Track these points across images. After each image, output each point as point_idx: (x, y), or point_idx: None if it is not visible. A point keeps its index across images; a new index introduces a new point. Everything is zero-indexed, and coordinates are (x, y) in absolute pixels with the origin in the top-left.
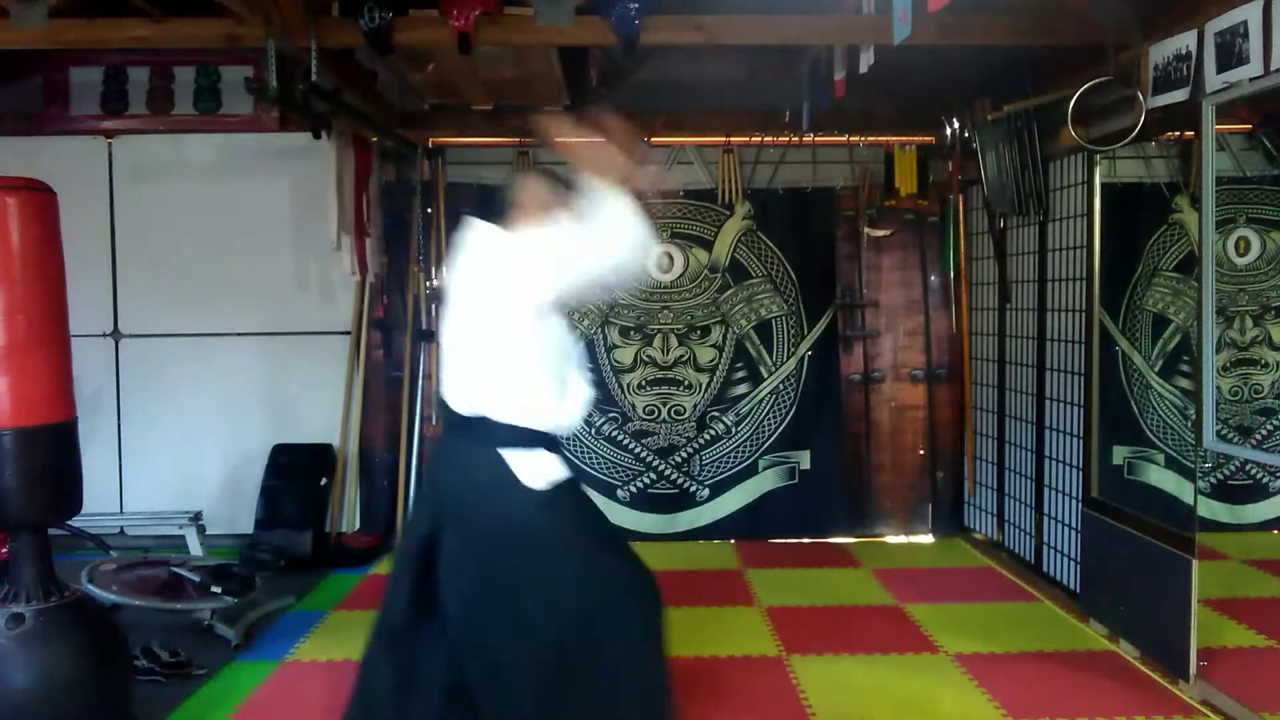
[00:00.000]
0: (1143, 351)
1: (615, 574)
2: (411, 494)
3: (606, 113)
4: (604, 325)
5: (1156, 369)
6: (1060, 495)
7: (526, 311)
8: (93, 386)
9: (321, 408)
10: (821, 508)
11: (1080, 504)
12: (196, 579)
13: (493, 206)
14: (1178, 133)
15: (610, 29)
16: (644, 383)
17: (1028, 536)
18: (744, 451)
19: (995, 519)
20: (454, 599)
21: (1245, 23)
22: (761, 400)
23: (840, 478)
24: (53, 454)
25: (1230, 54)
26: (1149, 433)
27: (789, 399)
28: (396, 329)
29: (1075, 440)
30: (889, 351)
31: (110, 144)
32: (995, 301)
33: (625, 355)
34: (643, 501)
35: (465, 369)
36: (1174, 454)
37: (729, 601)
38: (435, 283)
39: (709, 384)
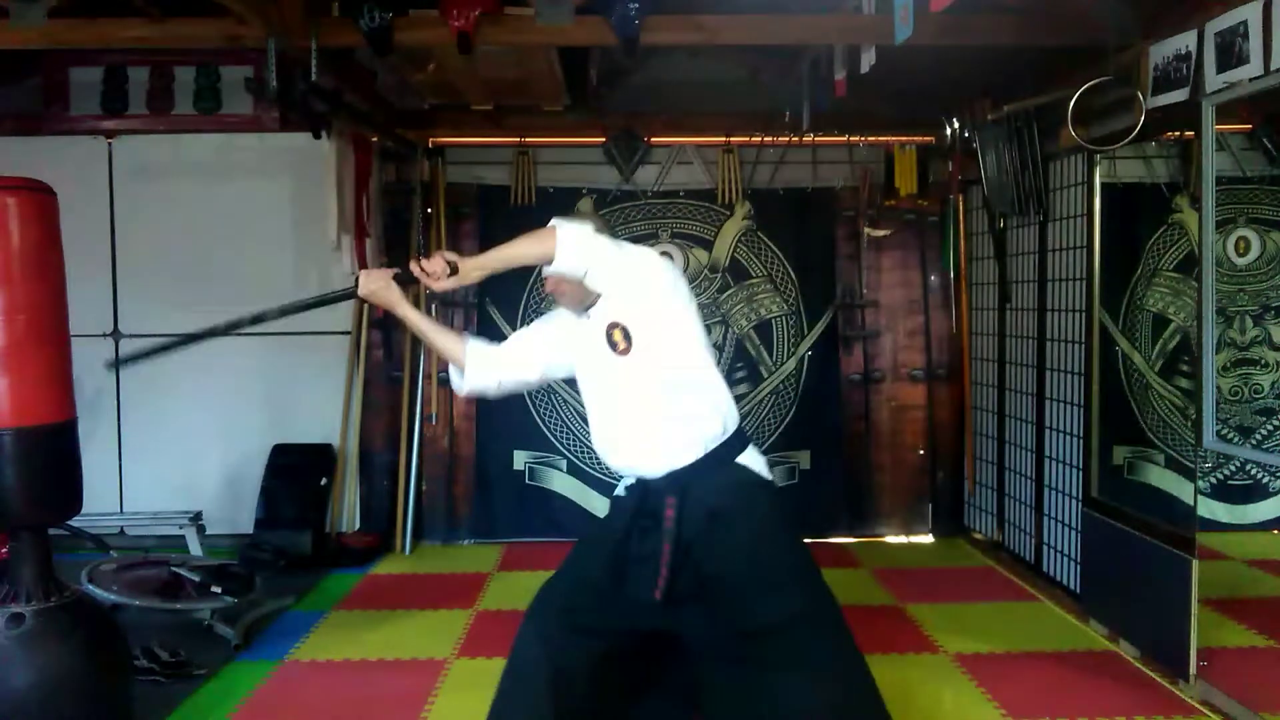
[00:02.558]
0: (1143, 351)
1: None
2: (411, 494)
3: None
4: None
5: (1156, 369)
6: (1060, 495)
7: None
8: (93, 386)
9: (321, 408)
10: (821, 508)
11: (1080, 504)
12: (196, 579)
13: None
14: (1178, 133)
15: (610, 29)
16: None
17: (1028, 536)
18: None
19: (995, 519)
20: (730, 581)
21: (1245, 23)
22: (761, 400)
23: (840, 478)
24: (53, 454)
25: (1230, 54)
26: (1149, 433)
27: (789, 399)
28: (396, 329)
29: (1075, 440)
30: (889, 351)
31: (110, 144)
32: (995, 301)
33: None
34: None
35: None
36: (1174, 454)
37: None
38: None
39: None
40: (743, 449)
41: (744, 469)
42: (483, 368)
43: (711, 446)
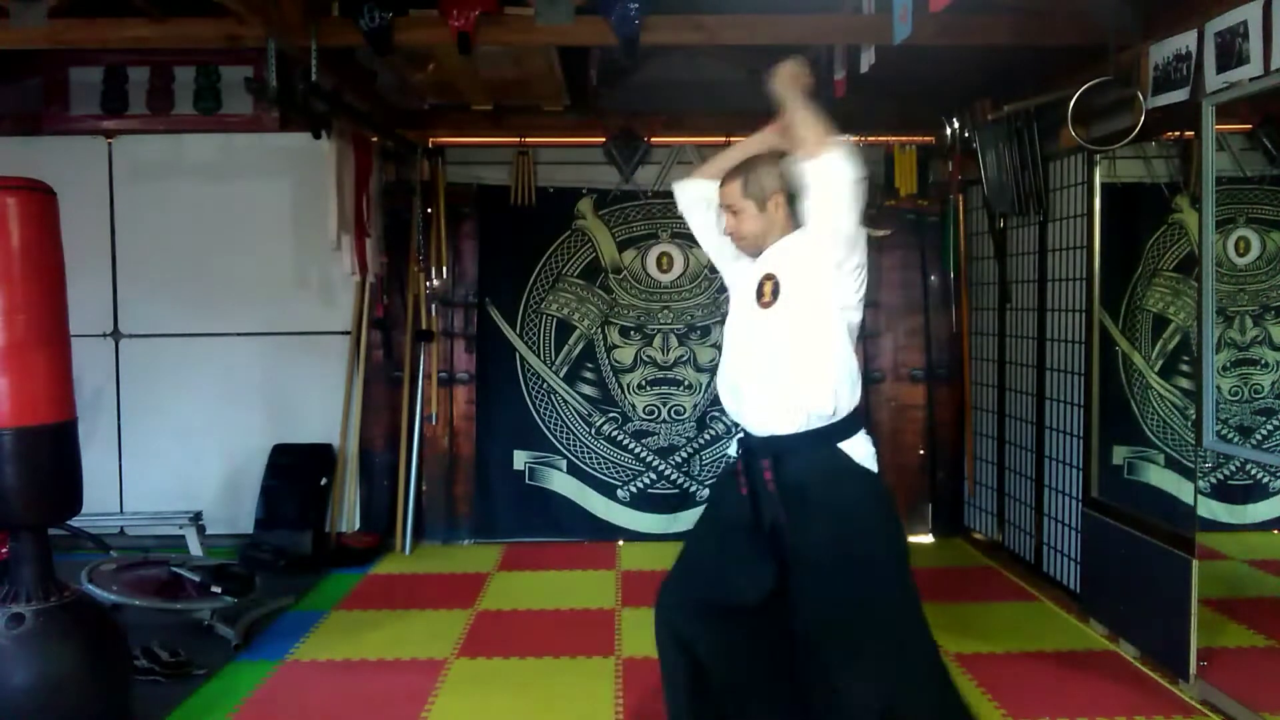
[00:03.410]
0: (1143, 351)
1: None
2: (413, 492)
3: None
4: (604, 325)
5: (1156, 369)
6: (1060, 495)
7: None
8: (93, 386)
9: (321, 408)
10: None
11: (1080, 504)
12: (196, 579)
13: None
14: (1178, 133)
15: (610, 29)
16: (644, 383)
17: (1028, 536)
18: None
19: (995, 519)
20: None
21: (1245, 23)
22: None
23: None
24: (53, 454)
25: (1230, 54)
26: (1149, 433)
27: None
28: (396, 329)
29: (1075, 440)
30: (889, 351)
31: (110, 144)
32: (995, 301)
33: (625, 355)
34: (643, 501)
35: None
36: (1174, 454)
37: None
38: (435, 283)
39: (709, 384)
40: (849, 435)
41: (842, 455)
42: (702, 186)
43: (815, 424)
